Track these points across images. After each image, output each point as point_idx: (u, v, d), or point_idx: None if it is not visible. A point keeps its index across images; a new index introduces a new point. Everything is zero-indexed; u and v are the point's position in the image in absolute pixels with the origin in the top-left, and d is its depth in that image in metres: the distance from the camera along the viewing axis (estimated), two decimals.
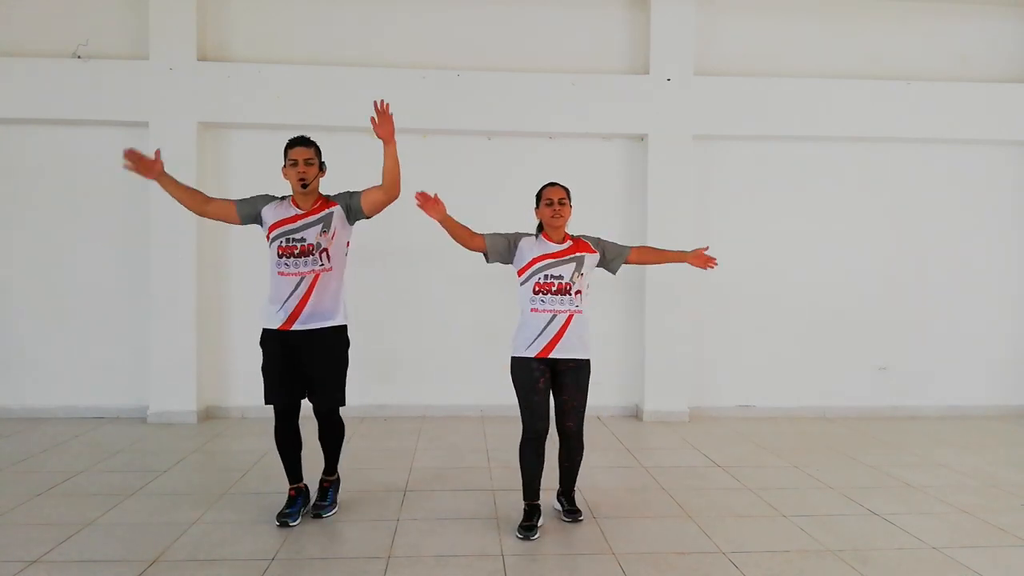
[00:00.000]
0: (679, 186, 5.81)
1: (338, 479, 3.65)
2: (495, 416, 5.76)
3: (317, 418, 3.46)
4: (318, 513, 3.47)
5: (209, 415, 5.71)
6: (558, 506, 3.57)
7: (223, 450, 4.76)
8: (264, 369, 3.36)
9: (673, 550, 3.12)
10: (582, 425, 3.38)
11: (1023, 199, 6.21)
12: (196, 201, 3.34)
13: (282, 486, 3.66)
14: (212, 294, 5.72)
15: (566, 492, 3.53)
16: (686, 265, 5.71)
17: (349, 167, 5.19)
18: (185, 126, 5.49)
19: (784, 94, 5.87)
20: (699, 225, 5.98)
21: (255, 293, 5.71)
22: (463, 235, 3.38)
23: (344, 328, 3.43)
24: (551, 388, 3.34)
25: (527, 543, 3.18)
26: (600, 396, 5.98)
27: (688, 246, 5.82)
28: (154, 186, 5.31)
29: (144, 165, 3.22)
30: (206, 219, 3.43)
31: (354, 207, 3.37)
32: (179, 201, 3.34)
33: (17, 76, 5.43)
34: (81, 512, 3.48)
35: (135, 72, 5.48)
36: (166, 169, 3.27)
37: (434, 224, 5.72)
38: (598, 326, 5.82)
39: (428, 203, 3.30)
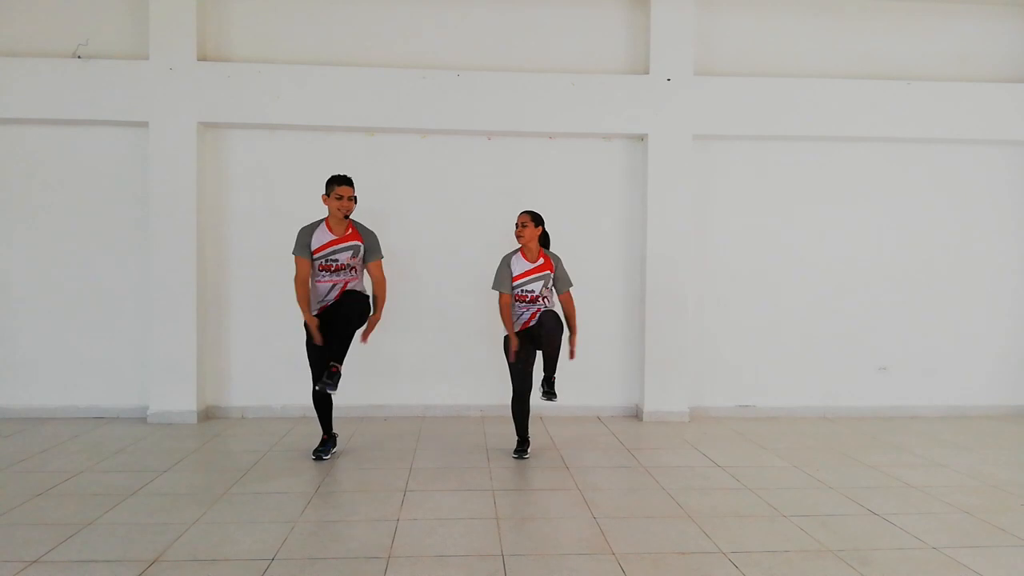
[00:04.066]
0: (679, 186, 5.81)
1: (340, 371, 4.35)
2: (495, 416, 5.76)
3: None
4: (323, 389, 4.19)
5: (209, 415, 5.71)
6: (541, 386, 4.56)
7: (223, 450, 4.76)
8: (308, 347, 4.43)
9: (673, 550, 3.12)
10: (557, 332, 4.32)
11: (1023, 199, 6.22)
12: (307, 291, 4.36)
13: (283, 486, 3.98)
14: (212, 294, 5.72)
15: (547, 378, 4.49)
16: (688, 263, 5.81)
17: (349, 167, 5.22)
18: (185, 126, 5.49)
19: (784, 94, 5.87)
20: (699, 225, 5.99)
21: (255, 293, 5.76)
22: (510, 318, 4.55)
23: (367, 296, 4.49)
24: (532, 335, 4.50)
25: (527, 543, 3.19)
26: (600, 396, 6.00)
27: (688, 246, 5.84)
28: (154, 186, 5.47)
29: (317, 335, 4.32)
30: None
31: (367, 259, 4.48)
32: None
33: (17, 76, 5.43)
34: (81, 512, 3.48)
35: (135, 72, 5.48)
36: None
37: (434, 226, 5.84)
38: (598, 326, 5.90)
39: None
